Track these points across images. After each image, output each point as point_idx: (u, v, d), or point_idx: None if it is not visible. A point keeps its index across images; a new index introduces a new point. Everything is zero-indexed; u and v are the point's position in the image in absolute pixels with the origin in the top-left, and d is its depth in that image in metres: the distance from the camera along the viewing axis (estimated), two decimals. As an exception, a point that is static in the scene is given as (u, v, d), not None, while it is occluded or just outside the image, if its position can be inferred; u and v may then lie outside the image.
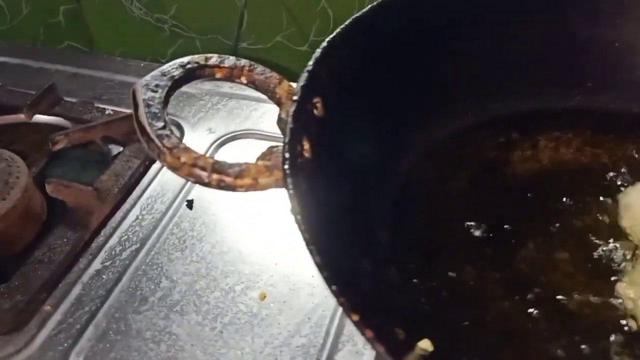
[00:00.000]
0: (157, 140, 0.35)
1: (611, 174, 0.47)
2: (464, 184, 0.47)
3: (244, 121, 0.65)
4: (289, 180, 0.33)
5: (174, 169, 0.35)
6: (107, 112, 0.65)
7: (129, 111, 0.64)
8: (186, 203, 0.57)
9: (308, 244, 0.30)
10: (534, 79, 0.51)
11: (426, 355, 0.33)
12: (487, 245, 0.43)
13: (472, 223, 0.44)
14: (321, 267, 0.29)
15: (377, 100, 0.44)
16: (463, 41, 0.48)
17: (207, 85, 0.70)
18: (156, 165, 0.60)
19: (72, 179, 0.60)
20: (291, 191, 0.33)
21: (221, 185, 0.36)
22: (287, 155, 0.34)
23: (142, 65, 0.75)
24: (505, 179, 0.48)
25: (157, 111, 0.37)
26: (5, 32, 0.86)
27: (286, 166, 0.34)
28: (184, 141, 0.62)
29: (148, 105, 0.37)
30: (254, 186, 0.36)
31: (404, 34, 0.46)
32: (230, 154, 0.62)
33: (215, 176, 0.35)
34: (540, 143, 0.50)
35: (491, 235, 0.43)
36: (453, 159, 0.49)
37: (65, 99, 0.67)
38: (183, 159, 0.35)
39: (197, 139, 0.63)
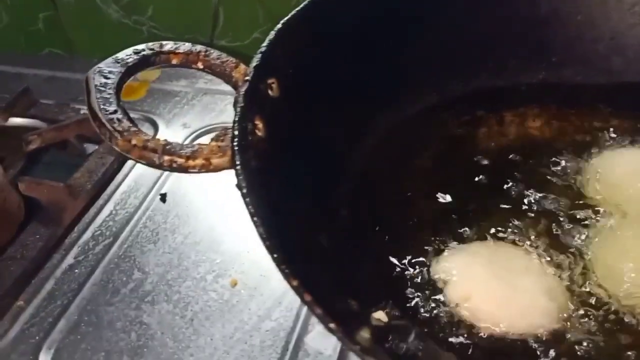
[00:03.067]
0: (108, 125, 0.36)
1: (576, 146, 0.47)
2: (427, 161, 0.47)
3: (218, 115, 0.65)
4: (237, 157, 0.34)
5: (126, 151, 0.36)
6: (81, 112, 0.65)
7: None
8: (159, 197, 0.57)
9: (252, 216, 0.30)
10: (497, 57, 0.51)
11: (380, 326, 0.33)
12: (449, 220, 0.42)
13: (435, 198, 0.44)
14: (264, 237, 0.29)
15: (335, 82, 0.44)
16: (422, 22, 0.48)
17: (183, 82, 0.71)
18: (130, 162, 0.60)
19: (48, 177, 0.61)
20: (238, 167, 0.33)
21: (173, 167, 0.36)
22: (236, 132, 0.35)
23: (118, 65, 0.75)
24: (470, 154, 0.48)
25: (108, 96, 0.37)
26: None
27: (235, 143, 0.34)
28: (158, 136, 0.63)
29: (100, 91, 0.37)
30: (207, 167, 0.36)
31: (361, 15, 0.46)
32: (204, 148, 0.62)
33: (166, 157, 0.36)
34: (506, 119, 0.50)
35: (454, 210, 0.43)
36: (417, 138, 0.49)
37: (41, 101, 0.68)
38: (134, 142, 0.35)
39: (172, 134, 0.63)
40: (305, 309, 0.46)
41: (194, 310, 0.47)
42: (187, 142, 0.63)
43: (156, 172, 0.58)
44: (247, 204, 0.31)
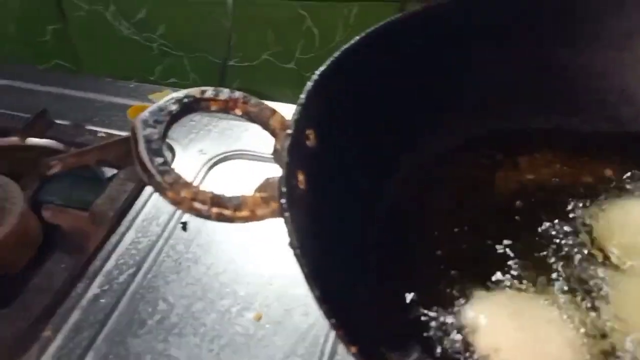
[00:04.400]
0: (158, 177, 0.37)
1: (588, 193, 0.49)
2: (449, 202, 0.49)
3: (234, 142, 0.67)
4: (287, 215, 0.35)
5: (176, 203, 0.37)
6: (99, 135, 0.66)
7: (122, 133, 0.65)
8: (181, 225, 0.58)
9: (307, 278, 0.32)
10: (513, 101, 0.53)
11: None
12: (473, 262, 0.45)
13: (458, 242, 0.46)
14: (320, 300, 0.31)
15: (365, 127, 0.46)
16: (446, 69, 0.50)
17: (197, 105, 0.72)
18: (150, 188, 0.61)
19: (63, 199, 0.61)
20: (289, 226, 0.34)
21: (220, 218, 0.37)
22: (284, 189, 0.36)
23: (131, 86, 0.76)
24: (489, 197, 0.50)
25: (157, 147, 0.38)
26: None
27: (283, 200, 0.36)
28: (175, 163, 0.64)
29: (148, 142, 0.38)
30: (252, 218, 0.38)
31: (390, 62, 0.48)
32: (222, 175, 0.63)
33: (214, 210, 0.37)
34: (522, 163, 0.52)
35: (476, 255, 0.45)
36: (438, 179, 0.51)
37: (57, 121, 0.68)
38: (183, 194, 0.37)
39: (188, 161, 0.65)
40: (330, 345, 0.48)
41: (220, 343, 0.48)
42: (205, 169, 0.64)
43: (176, 199, 0.59)
44: (301, 265, 0.32)
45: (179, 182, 0.37)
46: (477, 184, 0.51)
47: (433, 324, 0.40)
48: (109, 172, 0.64)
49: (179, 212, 0.59)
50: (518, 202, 0.49)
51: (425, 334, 0.40)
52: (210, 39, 0.80)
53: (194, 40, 0.82)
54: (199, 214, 0.37)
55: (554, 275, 0.44)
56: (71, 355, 0.48)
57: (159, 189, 0.37)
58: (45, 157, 0.61)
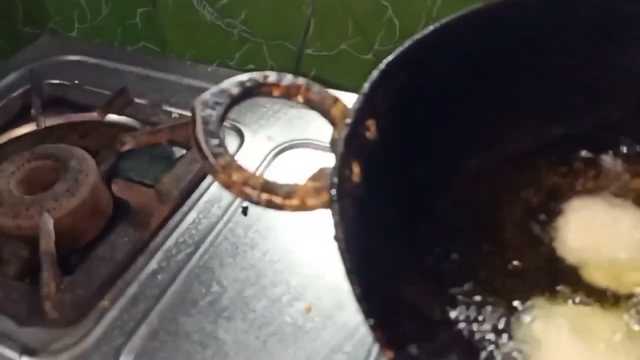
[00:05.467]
0: (211, 158, 0.37)
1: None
2: (517, 207, 0.46)
3: (303, 131, 0.66)
4: (335, 206, 0.34)
5: (226, 186, 0.37)
6: (173, 116, 0.67)
7: (193, 115, 0.66)
8: (242, 209, 0.58)
9: (349, 274, 0.31)
10: (593, 103, 0.49)
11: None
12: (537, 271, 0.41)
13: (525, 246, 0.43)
14: (360, 299, 0.30)
15: (431, 123, 0.44)
16: (522, 66, 0.47)
17: (270, 92, 0.72)
18: (215, 170, 0.62)
19: (138, 175, 0.63)
20: (336, 218, 0.33)
21: (270, 205, 0.36)
22: (335, 180, 0.35)
23: (209, 69, 0.78)
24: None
25: (213, 129, 0.38)
26: (86, 30, 0.90)
27: (333, 191, 0.35)
28: (243, 148, 0.65)
29: (205, 123, 0.38)
30: (302, 207, 0.37)
31: (463, 57, 0.45)
32: (287, 162, 0.63)
33: (264, 196, 0.36)
34: (602, 172, 0.48)
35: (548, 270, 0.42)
36: (507, 184, 0.47)
37: (136, 100, 0.70)
38: (234, 178, 0.36)
39: (256, 146, 0.65)
40: (377, 346, 0.46)
41: (267, 331, 0.48)
42: (271, 155, 0.64)
43: (240, 184, 0.60)
44: (344, 260, 0.31)
45: (232, 166, 0.37)
46: (552, 190, 0.48)
47: (482, 334, 0.38)
48: (180, 152, 0.65)
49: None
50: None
51: (472, 344, 0.37)
52: (290, 27, 0.80)
53: (274, 27, 0.82)
54: (248, 198, 0.37)
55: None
56: (125, 326, 0.49)
57: (211, 170, 0.37)
58: (121, 133, 0.63)
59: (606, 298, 0.40)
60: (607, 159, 0.49)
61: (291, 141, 0.65)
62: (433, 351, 0.34)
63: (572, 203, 0.46)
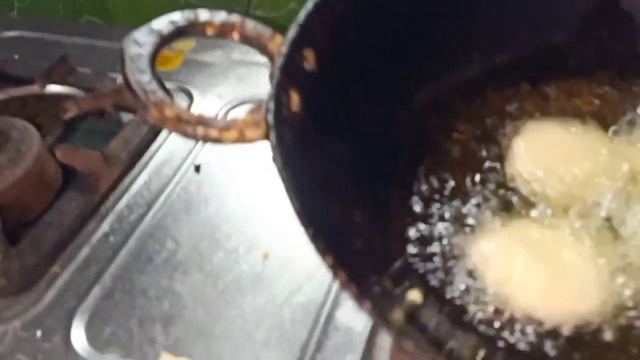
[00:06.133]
0: (142, 95, 0.35)
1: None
2: (470, 138, 0.45)
3: (253, 87, 0.65)
4: (272, 130, 0.33)
5: (160, 123, 0.35)
6: (118, 82, 0.65)
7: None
8: (194, 167, 0.57)
9: (287, 190, 0.30)
10: (540, 27, 0.49)
11: (415, 306, 0.33)
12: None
13: (476, 180, 0.42)
14: (299, 212, 0.29)
15: (373, 54, 0.43)
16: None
17: (218, 53, 0.70)
18: (165, 132, 0.60)
19: (86, 145, 0.61)
20: (273, 141, 0.32)
21: (207, 138, 0.35)
22: (270, 105, 0.34)
23: (154, 34, 0.75)
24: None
25: (143, 67, 0.37)
26: (26, 9, 0.87)
27: (270, 117, 0.34)
28: (192, 107, 0.63)
29: (134, 61, 0.37)
30: (241, 139, 0.36)
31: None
32: (238, 119, 0.62)
33: (200, 129, 0.35)
34: (552, 94, 0.48)
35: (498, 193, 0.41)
36: (459, 113, 0.47)
37: (79, 69, 0.68)
38: (167, 113, 0.35)
39: (206, 105, 0.63)
40: (336, 284, 0.46)
41: (225, 281, 0.47)
42: (221, 112, 0.62)
43: (190, 143, 0.59)
44: (282, 179, 0.30)
45: (164, 102, 0.35)
46: (500, 116, 0.47)
47: (438, 252, 0.37)
48: (127, 117, 0.64)
49: (192, 155, 0.58)
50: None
51: (428, 265, 0.37)
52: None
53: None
54: (184, 134, 0.35)
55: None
56: (77, 289, 0.48)
57: (143, 108, 0.35)
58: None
59: (558, 213, 0.40)
60: (551, 83, 0.49)
61: (242, 98, 0.64)
62: (387, 271, 0.34)
63: (524, 126, 0.45)
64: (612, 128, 0.45)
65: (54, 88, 0.65)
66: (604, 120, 0.45)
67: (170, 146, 0.59)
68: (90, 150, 0.55)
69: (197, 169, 0.57)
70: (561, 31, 0.49)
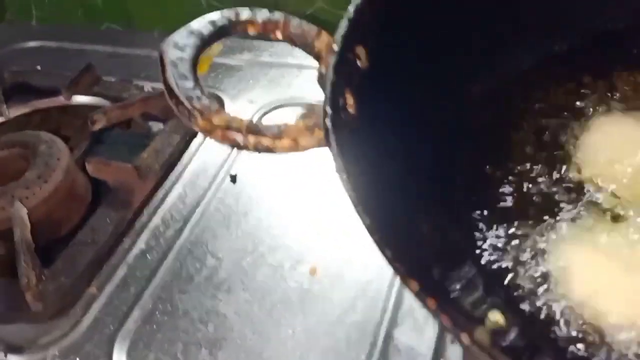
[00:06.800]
0: (186, 102, 0.32)
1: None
2: (530, 134, 0.42)
3: (285, 89, 0.62)
4: (332, 137, 0.30)
5: (207, 132, 0.32)
6: (145, 89, 0.63)
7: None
8: (230, 177, 0.54)
9: (355, 205, 0.27)
10: (601, 13, 0.45)
11: (498, 329, 0.29)
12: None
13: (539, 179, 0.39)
14: (371, 229, 0.26)
15: (425, 48, 0.40)
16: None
17: (246, 56, 0.67)
18: (197, 140, 0.58)
19: (116, 157, 0.58)
20: (335, 148, 0.29)
21: (259, 148, 0.32)
22: (328, 110, 0.31)
23: (179, 39, 0.73)
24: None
25: (185, 72, 0.34)
26: (45, 17, 0.85)
27: (328, 122, 0.30)
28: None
29: (175, 66, 0.34)
30: (295, 147, 0.33)
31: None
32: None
33: (251, 138, 0.32)
34: (617, 84, 0.44)
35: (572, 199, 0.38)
36: (517, 105, 0.43)
37: (104, 78, 0.66)
38: (216, 121, 0.32)
39: (238, 111, 0.60)
40: (393, 300, 0.42)
41: (272, 300, 0.44)
42: (255, 118, 0.59)
43: (224, 151, 0.56)
44: (348, 190, 0.27)
45: (210, 109, 0.33)
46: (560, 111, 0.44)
47: (516, 269, 0.34)
48: (157, 127, 0.61)
49: (227, 164, 0.55)
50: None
51: (508, 283, 0.34)
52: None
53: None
54: (234, 143, 0.33)
55: None
56: (117, 312, 0.45)
57: (188, 116, 0.32)
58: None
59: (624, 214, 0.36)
60: (615, 73, 0.45)
61: (275, 102, 0.61)
62: (456, 277, 0.30)
63: (591, 122, 0.42)
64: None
65: (80, 98, 0.63)
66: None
67: (203, 156, 0.56)
68: (122, 162, 0.53)
69: (234, 179, 0.54)
70: (622, 17, 0.46)
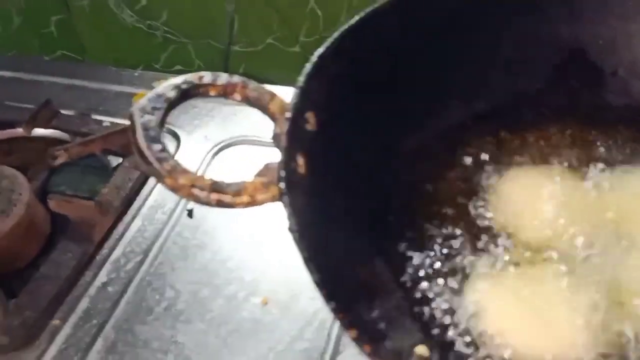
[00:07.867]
0: (156, 164, 0.36)
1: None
2: (454, 185, 0.48)
3: (238, 128, 0.66)
4: (286, 198, 0.35)
5: (174, 190, 0.37)
6: (104, 124, 0.66)
7: (127, 122, 0.65)
8: (187, 212, 0.58)
9: (306, 262, 0.32)
10: (517, 77, 0.52)
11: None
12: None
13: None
14: (319, 285, 0.31)
15: (365, 109, 0.45)
16: (449, 45, 0.49)
17: (201, 92, 0.71)
18: (155, 175, 0.61)
19: (73, 188, 0.61)
20: (289, 210, 0.34)
21: (220, 204, 0.37)
22: (282, 173, 0.36)
23: (135, 74, 0.76)
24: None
25: (154, 134, 0.38)
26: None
27: (282, 185, 0.35)
28: (181, 149, 0.64)
29: (145, 129, 0.38)
30: (252, 203, 0.37)
31: (389, 42, 0.47)
32: (227, 161, 0.63)
33: (214, 196, 0.37)
34: (529, 140, 0.51)
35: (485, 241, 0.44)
36: (443, 159, 0.50)
37: (62, 111, 0.68)
38: (182, 181, 0.36)
39: (194, 147, 0.64)
40: (336, 329, 0.48)
41: (227, 329, 0.48)
42: (210, 154, 0.63)
43: (181, 186, 0.59)
44: (301, 250, 0.32)
45: (177, 169, 0.37)
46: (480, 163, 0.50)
47: (436, 304, 0.40)
48: (116, 161, 0.64)
49: (184, 199, 0.59)
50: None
51: (426, 313, 0.39)
52: (214, 25, 0.80)
53: (197, 26, 0.81)
54: (198, 200, 0.37)
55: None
56: (80, 343, 0.48)
57: (158, 176, 0.37)
58: (51, 147, 0.61)
59: (541, 258, 0.43)
60: (530, 129, 0.52)
61: (228, 139, 0.65)
62: (393, 322, 0.36)
63: (505, 173, 0.49)
64: (590, 172, 0.48)
65: (39, 131, 0.65)
66: (581, 164, 0.49)
67: (161, 190, 0.60)
68: (84, 200, 0.56)
69: (190, 213, 0.58)
70: (536, 80, 0.53)
